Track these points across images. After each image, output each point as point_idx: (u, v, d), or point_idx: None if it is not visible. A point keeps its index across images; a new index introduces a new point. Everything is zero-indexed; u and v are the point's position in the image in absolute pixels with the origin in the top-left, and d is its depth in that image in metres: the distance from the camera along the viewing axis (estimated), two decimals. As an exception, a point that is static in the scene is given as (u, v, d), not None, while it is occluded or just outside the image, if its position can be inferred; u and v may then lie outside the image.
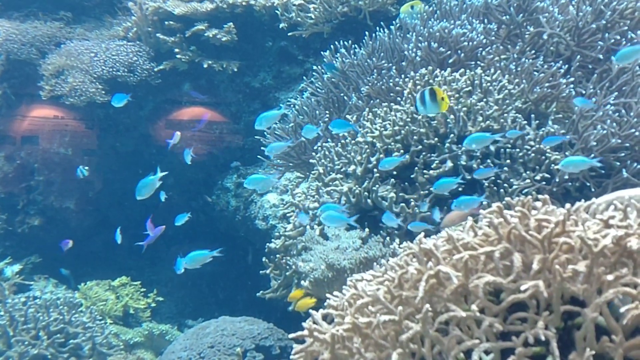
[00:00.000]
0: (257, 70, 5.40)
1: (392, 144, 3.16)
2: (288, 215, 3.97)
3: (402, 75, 3.51)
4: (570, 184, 2.90)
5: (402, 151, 3.13)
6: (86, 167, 5.04)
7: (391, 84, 3.53)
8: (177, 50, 5.25)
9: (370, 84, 3.66)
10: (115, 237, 4.33)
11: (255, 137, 4.26)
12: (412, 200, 3.04)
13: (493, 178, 2.94)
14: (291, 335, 1.58)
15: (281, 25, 4.95)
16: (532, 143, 2.97)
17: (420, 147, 3.09)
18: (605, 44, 3.25)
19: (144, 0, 5.31)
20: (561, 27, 3.34)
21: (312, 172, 3.59)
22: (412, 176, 3.09)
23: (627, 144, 2.90)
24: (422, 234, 1.56)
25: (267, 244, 3.63)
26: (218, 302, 5.52)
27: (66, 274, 5.15)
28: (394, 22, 3.95)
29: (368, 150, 3.21)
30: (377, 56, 3.80)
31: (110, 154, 5.57)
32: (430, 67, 3.36)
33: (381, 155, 3.17)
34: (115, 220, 5.62)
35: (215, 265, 5.04)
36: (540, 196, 1.54)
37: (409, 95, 3.25)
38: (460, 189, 2.84)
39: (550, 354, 1.26)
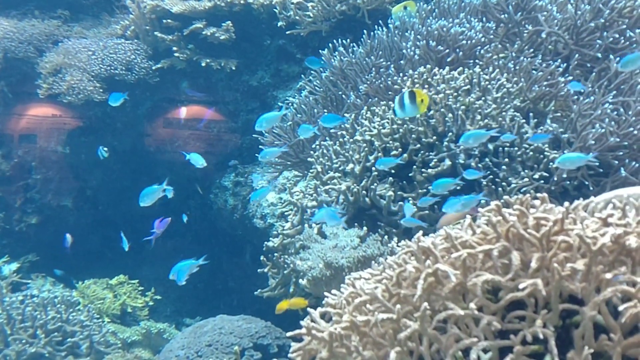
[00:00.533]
0: (255, 68, 5.39)
1: (391, 142, 3.16)
2: (286, 213, 3.97)
3: (401, 74, 3.50)
4: (568, 182, 2.90)
5: (400, 150, 3.13)
6: (105, 148, 5.02)
7: (389, 83, 3.53)
8: (175, 48, 5.24)
9: (368, 82, 3.65)
10: (123, 245, 4.30)
11: (254, 135, 4.25)
12: (410, 198, 3.04)
13: (491, 176, 2.94)
14: (289, 334, 1.57)
15: (279, 23, 4.95)
16: (530, 142, 2.97)
17: (418, 145, 3.09)
18: (603, 42, 3.25)
19: (142, -2, 5.31)
20: (559, 26, 3.34)
21: (311, 170, 3.59)
22: (410, 174, 3.09)
23: (626, 143, 2.90)
24: (421, 232, 1.55)
25: (265, 242, 3.63)
26: (216, 300, 5.51)
27: (60, 274, 5.13)
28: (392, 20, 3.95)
29: (366, 149, 3.21)
30: (376, 55, 3.80)
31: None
32: (428, 66, 3.36)
33: (379, 154, 3.16)
34: (113, 218, 5.63)
35: (214, 264, 5.05)
36: (538, 194, 1.54)
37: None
38: (458, 188, 2.84)
39: (548, 352, 1.25)
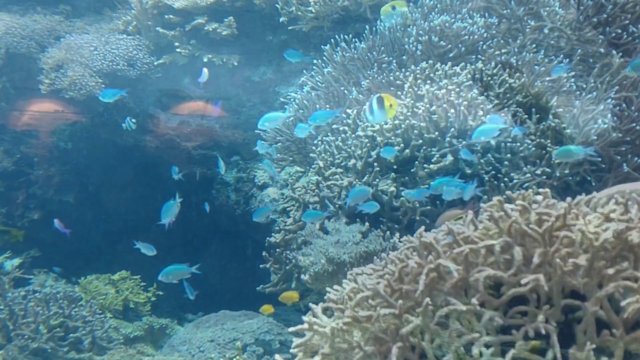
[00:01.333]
0: (257, 64, 5.38)
1: (393, 138, 3.16)
2: (288, 209, 3.97)
3: (403, 69, 3.50)
4: (570, 178, 2.90)
5: (402, 145, 3.12)
6: (133, 120, 4.99)
7: (392, 78, 3.53)
8: (177, 44, 5.24)
9: (370, 77, 3.65)
10: (144, 250, 4.29)
11: (256, 131, 4.25)
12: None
13: (493, 172, 2.94)
14: (291, 329, 1.57)
15: (281, 19, 4.94)
16: (532, 137, 2.97)
17: (420, 141, 3.09)
18: (606, 37, 3.24)
19: (144, -7, 5.31)
20: (562, 21, 3.34)
21: (313, 166, 3.59)
22: (412, 170, 3.09)
23: (628, 138, 2.90)
24: (423, 227, 1.55)
25: (267, 238, 3.63)
26: (218, 296, 5.52)
27: (59, 271, 5.13)
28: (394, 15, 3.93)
29: (368, 144, 3.21)
30: (378, 50, 3.80)
31: (110, 148, 5.56)
32: (430, 61, 3.35)
33: (381, 150, 3.16)
34: (115, 213, 5.63)
35: (216, 260, 5.05)
36: (541, 190, 1.53)
37: (410, 89, 3.24)
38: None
39: (550, 348, 1.25)
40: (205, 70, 4.76)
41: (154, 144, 5.68)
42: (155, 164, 5.58)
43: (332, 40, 4.14)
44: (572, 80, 3.15)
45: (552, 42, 3.36)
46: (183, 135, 5.53)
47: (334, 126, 3.63)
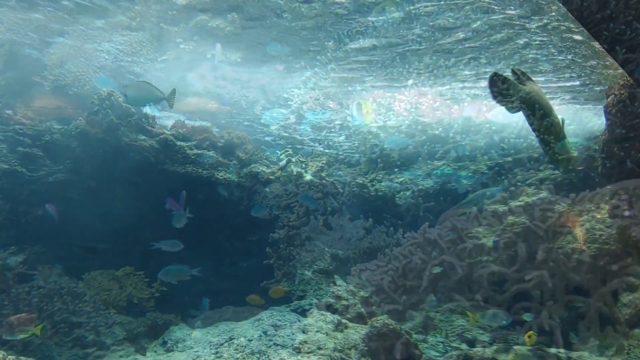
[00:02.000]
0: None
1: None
2: (292, 205, 3.97)
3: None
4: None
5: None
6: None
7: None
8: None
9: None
10: (166, 247, 4.35)
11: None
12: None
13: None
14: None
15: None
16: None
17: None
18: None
19: (147, -10, 5.31)
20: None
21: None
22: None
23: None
24: (427, 223, 1.56)
25: (271, 234, 3.64)
26: (222, 291, 5.53)
27: (61, 268, 5.14)
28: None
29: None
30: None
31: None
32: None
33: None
34: (117, 210, 5.64)
35: (219, 255, 5.06)
36: (544, 186, 1.54)
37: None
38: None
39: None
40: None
41: (155, 140, 5.69)
42: (158, 160, 5.59)
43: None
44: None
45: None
46: (186, 130, 5.52)
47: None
